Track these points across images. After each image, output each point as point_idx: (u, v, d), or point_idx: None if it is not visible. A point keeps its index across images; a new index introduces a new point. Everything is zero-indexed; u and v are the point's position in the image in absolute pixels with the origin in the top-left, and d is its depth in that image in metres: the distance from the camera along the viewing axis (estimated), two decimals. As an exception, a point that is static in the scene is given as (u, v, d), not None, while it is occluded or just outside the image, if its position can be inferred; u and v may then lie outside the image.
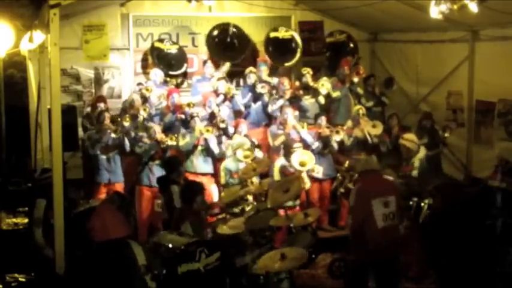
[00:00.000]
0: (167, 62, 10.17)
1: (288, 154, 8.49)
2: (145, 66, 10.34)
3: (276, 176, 8.47)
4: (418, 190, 7.43)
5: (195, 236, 5.90)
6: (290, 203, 7.85)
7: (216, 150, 8.79)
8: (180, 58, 10.31)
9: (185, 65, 10.32)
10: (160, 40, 10.25)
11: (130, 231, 4.98)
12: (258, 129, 9.67)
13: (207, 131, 8.64)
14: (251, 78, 9.82)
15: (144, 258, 4.80)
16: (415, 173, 7.82)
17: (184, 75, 10.44)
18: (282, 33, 10.48)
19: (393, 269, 6.01)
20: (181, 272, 5.10)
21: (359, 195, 6.00)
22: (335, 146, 8.95)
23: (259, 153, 8.86)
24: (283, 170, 8.49)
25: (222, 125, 9.02)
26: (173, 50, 10.27)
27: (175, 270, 5.09)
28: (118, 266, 4.73)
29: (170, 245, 5.40)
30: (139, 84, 9.86)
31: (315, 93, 9.72)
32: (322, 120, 9.06)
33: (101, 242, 4.80)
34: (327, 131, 8.90)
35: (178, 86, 10.28)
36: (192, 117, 8.88)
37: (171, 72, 10.17)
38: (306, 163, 8.31)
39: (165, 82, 10.02)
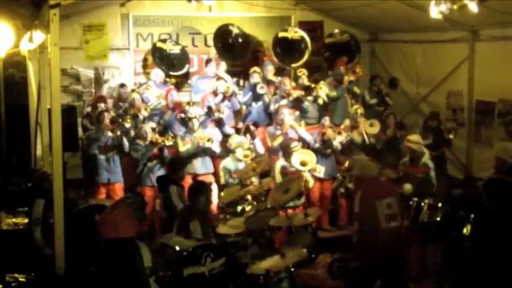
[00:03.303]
0: (169, 62, 10.17)
1: (286, 155, 8.48)
2: (145, 67, 10.36)
3: (278, 177, 8.43)
4: (431, 191, 7.43)
5: (203, 236, 5.92)
6: (291, 204, 7.84)
7: (217, 150, 8.81)
8: (182, 58, 10.31)
9: (187, 65, 10.32)
10: (163, 40, 10.26)
11: (139, 233, 4.98)
12: (259, 129, 9.67)
13: (208, 140, 8.63)
14: (254, 78, 9.83)
15: (150, 260, 4.80)
16: (432, 174, 7.77)
17: (186, 76, 10.45)
18: (292, 34, 10.45)
19: (400, 270, 5.98)
20: (187, 274, 5.11)
21: (363, 200, 5.93)
22: (338, 146, 8.98)
23: (259, 145, 8.86)
24: (284, 171, 8.48)
25: (218, 114, 9.08)
26: (176, 50, 10.28)
27: (181, 272, 5.09)
28: (124, 265, 4.72)
29: (177, 247, 5.41)
30: (123, 85, 9.83)
31: (314, 95, 9.76)
32: (326, 120, 9.12)
33: (109, 240, 4.79)
34: (330, 133, 8.91)
35: (178, 86, 10.29)
36: (189, 119, 8.86)
37: (172, 73, 10.18)
38: (307, 162, 8.30)
39: (165, 82, 10.03)
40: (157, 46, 10.19)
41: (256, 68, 10.01)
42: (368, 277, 5.97)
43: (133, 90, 9.63)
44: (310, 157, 8.35)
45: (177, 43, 10.34)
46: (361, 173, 6.18)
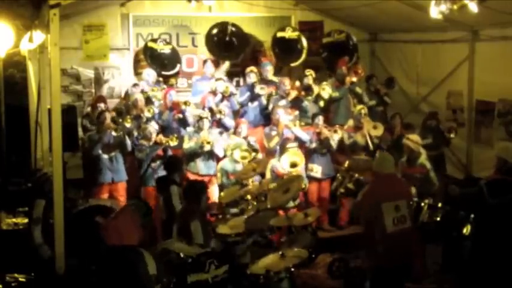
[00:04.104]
0: (160, 62, 10.15)
1: (281, 153, 8.50)
2: (137, 67, 10.32)
3: (268, 174, 8.50)
4: (431, 191, 7.43)
5: (204, 236, 5.92)
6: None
7: (221, 154, 8.80)
8: (173, 58, 10.27)
9: (178, 65, 10.30)
10: (154, 40, 10.22)
11: (142, 240, 4.97)
12: (256, 129, 9.65)
13: (208, 143, 8.60)
14: (251, 78, 9.81)
15: (155, 268, 4.80)
16: (432, 174, 7.74)
17: (177, 74, 10.41)
18: (289, 33, 10.45)
19: (403, 275, 5.89)
20: (191, 281, 5.11)
21: (367, 196, 5.85)
22: (334, 145, 8.95)
23: (259, 156, 8.89)
24: (273, 169, 8.51)
25: (219, 116, 9.10)
26: (166, 50, 10.24)
27: (185, 279, 5.09)
28: (126, 273, 4.72)
29: (182, 254, 5.40)
30: (135, 85, 9.82)
31: (316, 95, 9.74)
32: (320, 119, 9.04)
33: (112, 246, 4.78)
34: (326, 132, 8.89)
35: (173, 85, 10.27)
36: (201, 118, 8.83)
37: (164, 72, 10.14)
38: (298, 164, 8.30)
39: (158, 82, 10.01)
40: (148, 46, 10.15)
41: (253, 68, 9.95)
42: (377, 281, 5.86)
43: (142, 91, 9.59)
44: (300, 159, 8.34)
45: (167, 43, 10.31)
46: (377, 168, 5.99)
